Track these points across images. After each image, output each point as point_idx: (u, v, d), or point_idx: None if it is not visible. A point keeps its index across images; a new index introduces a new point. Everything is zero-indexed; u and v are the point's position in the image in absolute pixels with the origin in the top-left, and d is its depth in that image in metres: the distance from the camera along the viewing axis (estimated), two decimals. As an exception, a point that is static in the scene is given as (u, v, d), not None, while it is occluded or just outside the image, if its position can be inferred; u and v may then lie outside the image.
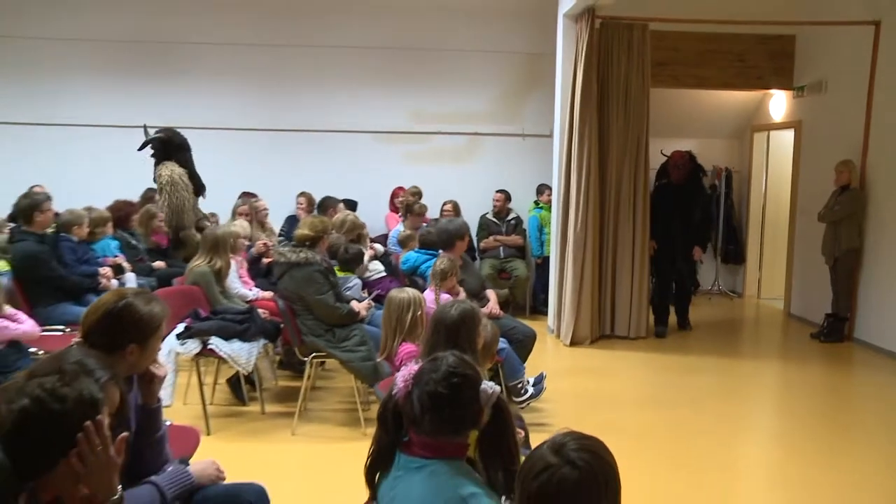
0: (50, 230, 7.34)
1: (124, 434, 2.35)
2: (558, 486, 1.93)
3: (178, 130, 8.86)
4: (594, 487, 1.95)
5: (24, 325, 5.11)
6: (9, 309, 5.25)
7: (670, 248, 9.50)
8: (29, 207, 7.15)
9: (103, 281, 7.21)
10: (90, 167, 10.65)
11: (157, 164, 8.66)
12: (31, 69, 10.90)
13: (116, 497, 2.32)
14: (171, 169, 8.55)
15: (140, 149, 8.74)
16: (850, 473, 5.56)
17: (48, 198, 7.39)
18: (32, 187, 9.66)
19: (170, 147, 8.66)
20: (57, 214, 7.64)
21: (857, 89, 9.31)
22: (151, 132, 8.76)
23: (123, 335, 2.98)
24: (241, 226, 8.22)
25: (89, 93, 10.95)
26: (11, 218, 7.81)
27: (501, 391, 5.82)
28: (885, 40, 8.94)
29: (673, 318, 9.87)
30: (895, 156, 8.82)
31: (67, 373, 2.29)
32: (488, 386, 2.59)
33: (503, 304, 8.45)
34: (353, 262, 7.20)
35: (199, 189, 8.78)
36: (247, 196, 9.86)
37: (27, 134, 10.61)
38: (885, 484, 5.39)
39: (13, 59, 10.88)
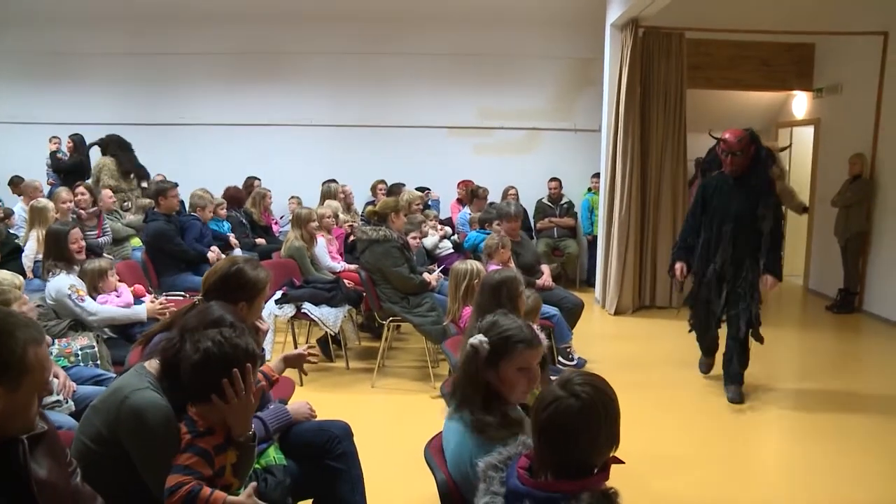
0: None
1: (262, 384, 2.52)
2: (564, 414, 2.00)
3: (118, 135, 9.44)
4: (594, 415, 2.01)
5: (122, 297, 5.25)
6: (120, 285, 5.37)
7: (718, 270, 5.87)
8: (156, 193, 7.49)
9: (212, 256, 7.43)
10: (210, 159, 11.05)
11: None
12: (167, 79, 11.38)
13: (250, 433, 2.50)
14: (102, 161, 9.21)
15: (88, 148, 9.71)
16: (856, 419, 5.64)
17: (175, 185, 7.68)
18: (155, 176, 10.02)
19: (106, 147, 9.34)
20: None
21: (868, 91, 9.18)
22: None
23: (235, 294, 3.13)
24: (332, 206, 8.37)
25: (205, 97, 11.35)
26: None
27: (554, 352, 5.97)
28: (893, 48, 8.84)
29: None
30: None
31: (238, 328, 2.54)
32: (477, 338, 2.58)
33: (556, 278, 8.52)
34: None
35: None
36: (329, 183, 10.08)
37: (157, 133, 11.01)
38: (885, 428, 5.47)
39: (154, 72, 11.34)
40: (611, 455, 2.10)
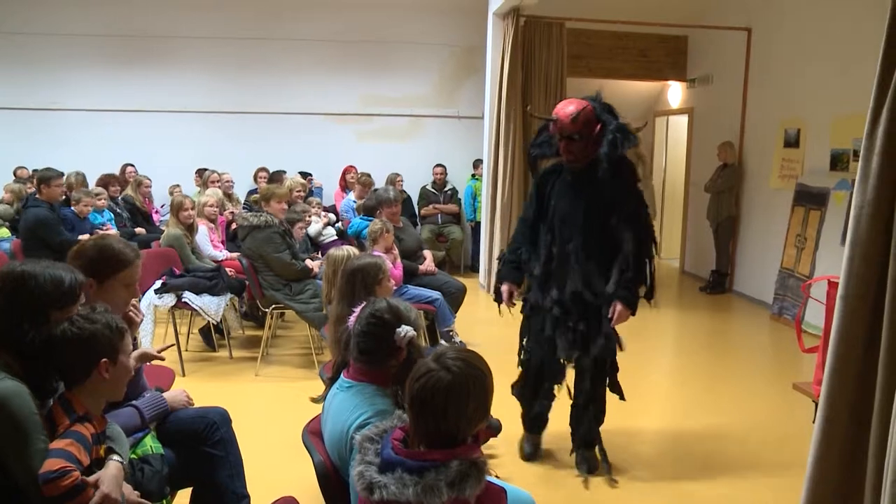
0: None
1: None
2: (433, 386, 2.08)
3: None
4: (464, 389, 2.09)
5: None
6: None
7: (564, 303, 4.18)
8: (39, 180, 7.20)
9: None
10: (82, 146, 10.66)
11: None
12: (32, 62, 10.80)
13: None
14: None
15: None
16: (727, 393, 6.04)
17: (60, 174, 7.42)
18: (15, 170, 9.64)
19: None
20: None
21: (736, 82, 9.66)
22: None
23: (85, 271, 2.95)
24: (213, 194, 8.26)
25: (79, 80, 10.88)
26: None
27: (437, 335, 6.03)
28: (755, 43, 9.36)
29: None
30: (764, 138, 9.16)
31: (97, 309, 2.52)
32: (404, 329, 2.70)
33: (441, 263, 8.63)
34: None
35: None
36: (209, 172, 9.93)
37: (24, 118, 10.59)
38: (751, 397, 5.90)
39: (17, 53, 10.75)
40: (484, 428, 2.19)
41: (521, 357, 4.50)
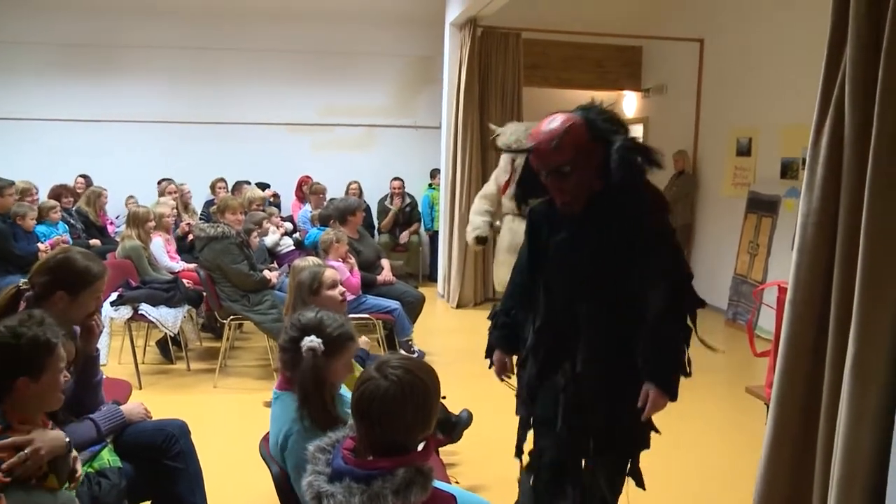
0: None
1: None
2: (371, 394, 2.08)
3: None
4: (401, 398, 2.08)
5: None
6: None
7: (570, 389, 2.90)
8: None
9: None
10: (33, 156, 10.50)
11: None
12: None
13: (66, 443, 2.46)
14: None
15: None
16: (681, 396, 5.81)
17: (11, 184, 7.32)
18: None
19: None
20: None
21: (689, 92, 9.84)
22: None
23: (55, 283, 2.96)
24: (169, 204, 8.21)
25: (33, 90, 10.71)
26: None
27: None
28: (707, 54, 9.55)
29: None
30: (716, 147, 9.36)
31: (29, 320, 2.43)
32: (307, 340, 2.69)
33: (399, 274, 8.64)
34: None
35: None
36: (165, 182, 9.85)
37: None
38: (705, 400, 5.94)
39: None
40: (432, 436, 2.20)
41: (531, 456, 3.15)
